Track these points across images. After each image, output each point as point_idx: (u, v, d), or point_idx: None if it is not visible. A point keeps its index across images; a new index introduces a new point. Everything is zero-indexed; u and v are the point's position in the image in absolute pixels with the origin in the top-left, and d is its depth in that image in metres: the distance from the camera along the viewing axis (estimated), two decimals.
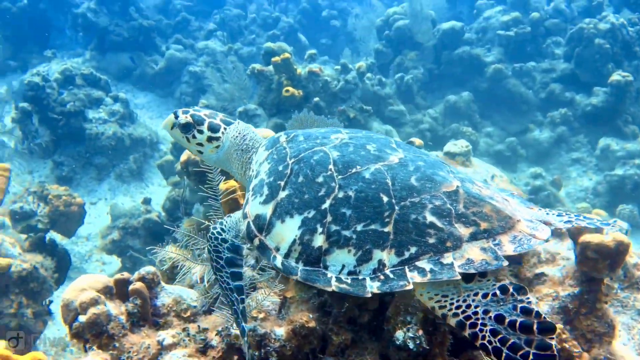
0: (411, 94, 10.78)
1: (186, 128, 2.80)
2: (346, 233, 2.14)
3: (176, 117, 2.81)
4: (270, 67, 9.49)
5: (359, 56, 13.36)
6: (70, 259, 6.42)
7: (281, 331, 2.59)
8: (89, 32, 15.48)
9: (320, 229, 2.20)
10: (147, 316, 3.10)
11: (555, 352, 1.73)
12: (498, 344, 1.79)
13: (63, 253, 6.10)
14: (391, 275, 2.03)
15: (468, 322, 1.90)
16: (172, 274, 4.03)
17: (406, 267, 2.02)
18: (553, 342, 1.74)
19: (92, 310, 2.87)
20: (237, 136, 2.87)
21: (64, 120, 11.60)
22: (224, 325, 2.79)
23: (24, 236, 6.01)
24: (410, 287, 1.97)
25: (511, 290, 1.92)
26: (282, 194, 2.37)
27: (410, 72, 11.25)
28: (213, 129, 2.80)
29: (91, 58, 15.82)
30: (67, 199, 8.24)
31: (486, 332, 1.84)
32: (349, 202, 2.18)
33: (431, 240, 2.02)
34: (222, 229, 2.58)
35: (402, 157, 2.36)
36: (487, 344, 1.82)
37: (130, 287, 3.12)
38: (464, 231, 2.04)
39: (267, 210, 2.39)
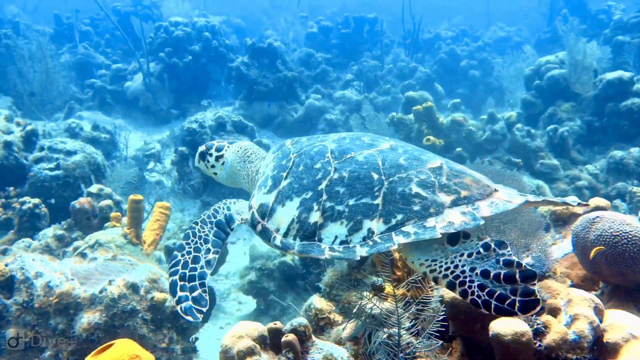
0: (565, 148, 9.75)
1: (202, 156, 3.29)
2: (339, 207, 2.33)
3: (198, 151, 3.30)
4: (411, 116, 9.35)
5: (503, 106, 12.66)
6: (216, 297, 6.66)
7: None
8: (240, 83, 16.95)
9: (316, 207, 2.40)
10: None
11: (539, 297, 1.85)
12: (486, 297, 1.90)
13: (210, 291, 6.34)
14: (379, 240, 2.21)
15: (457, 282, 2.01)
16: (316, 326, 3.85)
17: (393, 232, 2.19)
18: (535, 288, 1.86)
19: None
20: (238, 150, 3.20)
21: None
22: None
23: None
24: (395, 246, 2.16)
25: (493, 246, 2.03)
26: (284, 183, 2.60)
27: (564, 124, 10.25)
28: (218, 148, 3.24)
29: (239, 107, 17.27)
30: None
31: (474, 287, 1.95)
32: (343, 182, 2.40)
33: (416, 208, 2.19)
34: (229, 206, 2.86)
35: (394, 144, 2.60)
36: (477, 299, 1.93)
37: (283, 338, 2.99)
38: (446, 199, 2.21)
39: (270, 199, 2.62)
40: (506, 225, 2.71)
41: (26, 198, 7.84)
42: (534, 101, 11.25)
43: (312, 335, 3.16)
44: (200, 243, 2.72)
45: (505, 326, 2.33)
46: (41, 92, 13.71)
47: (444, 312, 2.49)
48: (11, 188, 8.70)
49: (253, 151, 3.23)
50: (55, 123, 13.06)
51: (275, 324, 3.09)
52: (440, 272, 2.09)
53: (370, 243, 2.23)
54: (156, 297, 5.30)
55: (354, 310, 3.36)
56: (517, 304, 1.84)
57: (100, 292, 5.03)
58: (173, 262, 2.64)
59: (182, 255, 2.65)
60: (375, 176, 2.35)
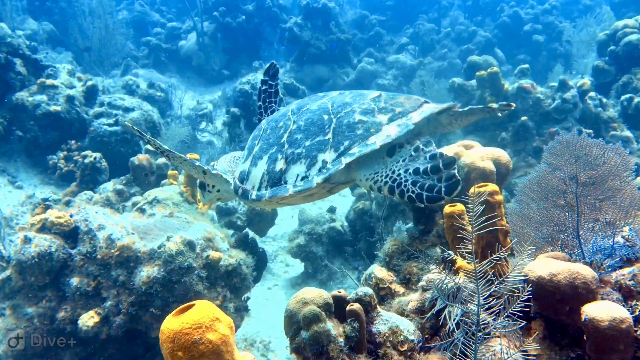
0: None
1: (202, 185, 3.53)
2: (298, 150, 2.59)
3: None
4: (473, 82, 8.85)
5: (571, 74, 11.82)
6: (267, 259, 6.69)
7: None
8: (292, 45, 16.67)
9: (280, 157, 2.67)
10: (363, 342, 2.83)
11: (459, 177, 2.05)
12: (419, 190, 2.11)
13: (262, 253, 6.36)
14: (330, 166, 2.45)
15: (395, 184, 2.23)
16: (376, 296, 3.73)
17: (342, 157, 2.43)
18: (454, 171, 2.07)
19: (315, 328, 2.69)
20: (225, 158, 3.53)
21: None
22: None
23: (230, 231, 6.42)
24: (343, 166, 2.39)
25: (421, 146, 2.26)
26: (256, 148, 2.92)
27: None
28: (212, 169, 3.37)
29: (291, 69, 17.05)
30: None
31: (409, 185, 2.16)
32: (300, 129, 2.65)
33: (359, 132, 2.43)
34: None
35: (342, 91, 2.88)
36: (412, 194, 2.13)
37: (348, 307, 2.89)
38: (383, 118, 2.46)
39: (246, 165, 2.95)
40: (603, 202, 2.44)
41: (88, 152, 8.06)
42: (607, 69, 10.38)
43: (377, 306, 3.04)
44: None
45: (602, 311, 2.11)
46: (99, 48, 13.96)
47: (529, 292, 2.29)
48: (72, 141, 8.98)
49: (239, 156, 3.55)
50: (113, 80, 13.32)
51: (339, 291, 2.98)
52: (382, 180, 2.35)
53: (324, 171, 2.48)
54: (211, 256, 5.34)
55: (421, 283, 3.21)
56: (443, 189, 2.12)
57: (159, 247, 5.11)
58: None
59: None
60: (326, 117, 2.64)
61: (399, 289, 3.70)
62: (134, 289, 4.89)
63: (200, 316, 1.87)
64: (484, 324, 2.33)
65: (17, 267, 4.91)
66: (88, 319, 4.73)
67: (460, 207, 3.23)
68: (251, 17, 17.44)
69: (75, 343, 4.89)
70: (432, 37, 17.54)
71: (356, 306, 2.90)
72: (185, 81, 17.04)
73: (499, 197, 2.84)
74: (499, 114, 3.06)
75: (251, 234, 7.77)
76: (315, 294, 2.86)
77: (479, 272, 2.33)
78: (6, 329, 4.84)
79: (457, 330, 2.30)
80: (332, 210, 8.96)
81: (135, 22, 18.93)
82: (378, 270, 3.64)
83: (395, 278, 3.77)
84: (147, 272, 4.94)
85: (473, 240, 2.44)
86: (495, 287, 2.34)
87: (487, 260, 2.38)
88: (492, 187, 2.84)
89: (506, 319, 2.29)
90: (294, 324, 2.77)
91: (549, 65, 16.39)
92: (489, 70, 8.24)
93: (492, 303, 2.35)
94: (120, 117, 9.37)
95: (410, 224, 4.62)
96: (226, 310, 5.24)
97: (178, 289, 5.06)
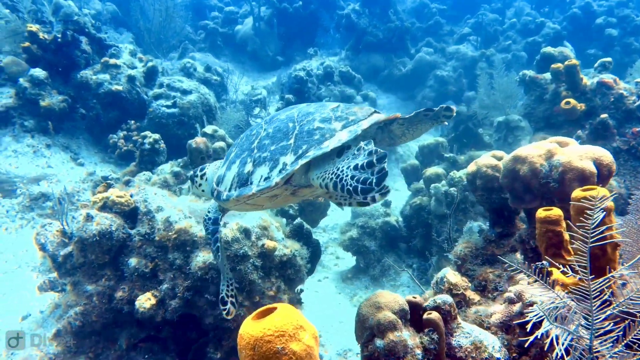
0: None
1: (192, 179, 3.77)
2: (264, 154, 2.81)
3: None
4: (546, 75, 8.26)
5: None
6: (320, 251, 6.50)
7: None
8: (349, 32, 16.31)
9: (249, 160, 2.89)
10: (442, 356, 2.57)
11: (387, 170, 2.25)
12: (355, 183, 2.29)
13: (316, 244, 6.17)
14: (289, 167, 2.61)
15: (338, 179, 2.40)
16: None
17: (299, 159, 2.60)
18: (384, 165, 2.27)
19: (390, 337, 2.45)
20: (215, 164, 3.63)
21: None
22: None
23: (284, 220, 6.27)
24: (298, 166, 2.57)
25: (363, 145, 2.46)
26: (232, 155, 3.14)
27: None
28: (202, 169, 3.70)
29: (345, 57, 16.72)
30: None
31: (348, 179, 2.35)
32: (269, 136, 2.88)
33: (316, 137, 2.65)
34: (208, 212, 3.65)
35: (309, 104, 3.08)
36: (350, 187, 2.30)
37: (425, 316, 2.63)
38: (338, 125, 2.70)
39: (223, 170, 3.17)
40: None
41: (147, 133, 8.12)
42: None
43: (458, 316, 2.76)
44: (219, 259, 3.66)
45: None
46: (159, 31, 14.14)
47: None
48: (132, 121, 9.09)
49: None
50: (170, 62, 13.46)
51: (414, 297, 2.73)
52: (329, 177, 2.48)
53: (283, 171, 2.65)
54: (267, 245, 5.19)
55: (508, 294, 2.89)
56: (374, 181, 2.22)
57: None
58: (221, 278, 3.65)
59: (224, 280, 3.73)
60: (291, 125, 2.85)
61: (474, 296, 3.39)
62: (189, 274, 4.81)
63: (283, 322, 1.67)
64: (596, 352, 2.01)
65: (79, 244, 4.94)
66: (145, 301, 4.70)
67: (556, 211, 2.89)
68: (308, 3, 17.19)
69: (132, 324, 4.89)
70: (496, 28, 16.71)
71: (435, 315, 2.64)
72: (239, 66, 17.06)
73: (611, 204, 2.49)
74: (445, 122, 3.12)
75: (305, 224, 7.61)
76: (389, 299, 2.62)
77: (594, 290, 2.01)
78: (67, 305, 4.89)
79: (567, 357, 1.99)
80: (386, 204, 8.66)
81: (194, 6, 19.11)
82: (451, 275, 3.35)
83: (469, 284, 3.47)
84: (203, 257, 4.85)
85: (586, 253, 2.11)
86: (612, 310, 2.02)
87: (604, 278, 2.06)
88: (602, 190, 2.49)
89: (625, 349, 1.96)
90: (367, 329, 2.54)
91: (622, 61, 15.28)
92: (566, 62, 7.64)
93: (607, 328, 2.02)
94: (179, 99, 9.40)
95: (484, 225, 4.29)
96: (280, 302, 5.09)
97: (233, 276, 4.95)
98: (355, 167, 2.36)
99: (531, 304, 2.54)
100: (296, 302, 5.47)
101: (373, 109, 2.86)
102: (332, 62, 15.02)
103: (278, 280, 5.26)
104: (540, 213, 2.84)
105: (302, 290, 5.64)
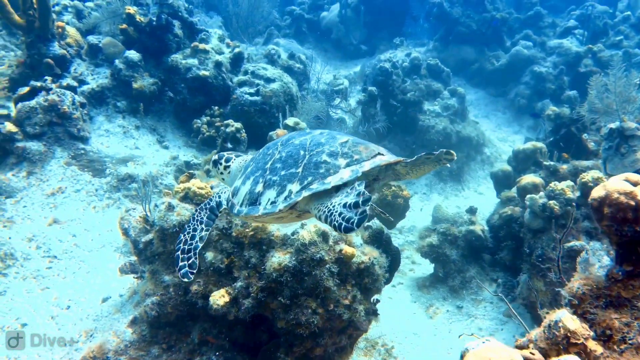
0: None
1: (215, 163, 3.89)
2: (274, 178, 3.01)
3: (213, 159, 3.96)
4: None
5: None
6: (400, 259, 6.13)
7: None
8: (439, 22, 15.51)
9: (261, 180, 3.10)
10: None
11: (368, 213, 2.42)
12: (340, 220, 2.47)
13: (396, 251, 5.81)
14: (293, 196, 2.83)
15: (329, 214, 2.58)
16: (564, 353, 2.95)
17: (304, 190, 2.81)
18: (367, 207, 2.43)
19: None
20: (240, 162, 3.77)
21: (401, 108, 11.84)
22: None
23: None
24: (300, 198, 2.78)
25: (356, 186, 2.60)
26: (249, 169, 3.33)
27: None
28: (227, 160, 3.82)
29: (433, 48, 15.93)
30: (395, 190, 8.15)
31: (336, 215, 2.52)
32: (281, 160, 3.09)
33: (321, 171, 2.86)
34: (220, 195, 3.60)
35: (323, 131, 3.32)
36: (336, 223, 2.49)
37: None
38: (342, 162, 2.88)
39: (239, 182, 3.34)
40: None
41: (230, 121, 8.10)
42: None
43: None
44: (197, 224, 3.54)
45: None
46: (247, 15, 14.20)
47: None
48: (216, 107, 9.15)
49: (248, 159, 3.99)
50: (255, 47, 13.49)
51: (532, 353, 2.31)
52: (323, 210, 2.64)
53: (288, 199, 2.81)
54: (344, 250, 4.91)
55: None
56: (356, 220, 2.39)
57: (293, 234, 4.81)
58: (178, 240, 3.47)
59: (184, 235, 3.49)
60: (302, 152, 3.00)
61: (597, 348, 2.88)
62: (264, 274, 4.66)
63: None
64: None
65: (159, 233, 4.95)
66: (219, 297, 4.61)
67: None
68: None
69: (205, 319, 4.84)
70: (606, 22, 15.11)
71: None
72: (322, 54, 16.82)
73: None
74: (447, 165, 3.00)
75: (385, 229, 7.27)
76: (503, 355, 2.22)
77: None
78: (144, 293, 4.93)
79: None
80: (471, 211, 8.07)
81: None
82: (569, 320, 2.84)
83: (590, 333, 2.97)
84: (279, 258, 4.67)
85: None
86: None
87: None
88: None
89: None
90: None
91: None
92: None
93: None
94: (262, 87, 9.33)
95: (607, 260, 3.71)
96: (356, 312, 4.82)
97: (308, 281, 4.73)
98: (344, 205, 2.53)
99: None
100: (372, 313, 5.17)
101: (377, 151, 2.99)
102: (419, 54, 14.33)
103: (354, 288, 4.97)
104: None
105: (378, 301, 5.33)
